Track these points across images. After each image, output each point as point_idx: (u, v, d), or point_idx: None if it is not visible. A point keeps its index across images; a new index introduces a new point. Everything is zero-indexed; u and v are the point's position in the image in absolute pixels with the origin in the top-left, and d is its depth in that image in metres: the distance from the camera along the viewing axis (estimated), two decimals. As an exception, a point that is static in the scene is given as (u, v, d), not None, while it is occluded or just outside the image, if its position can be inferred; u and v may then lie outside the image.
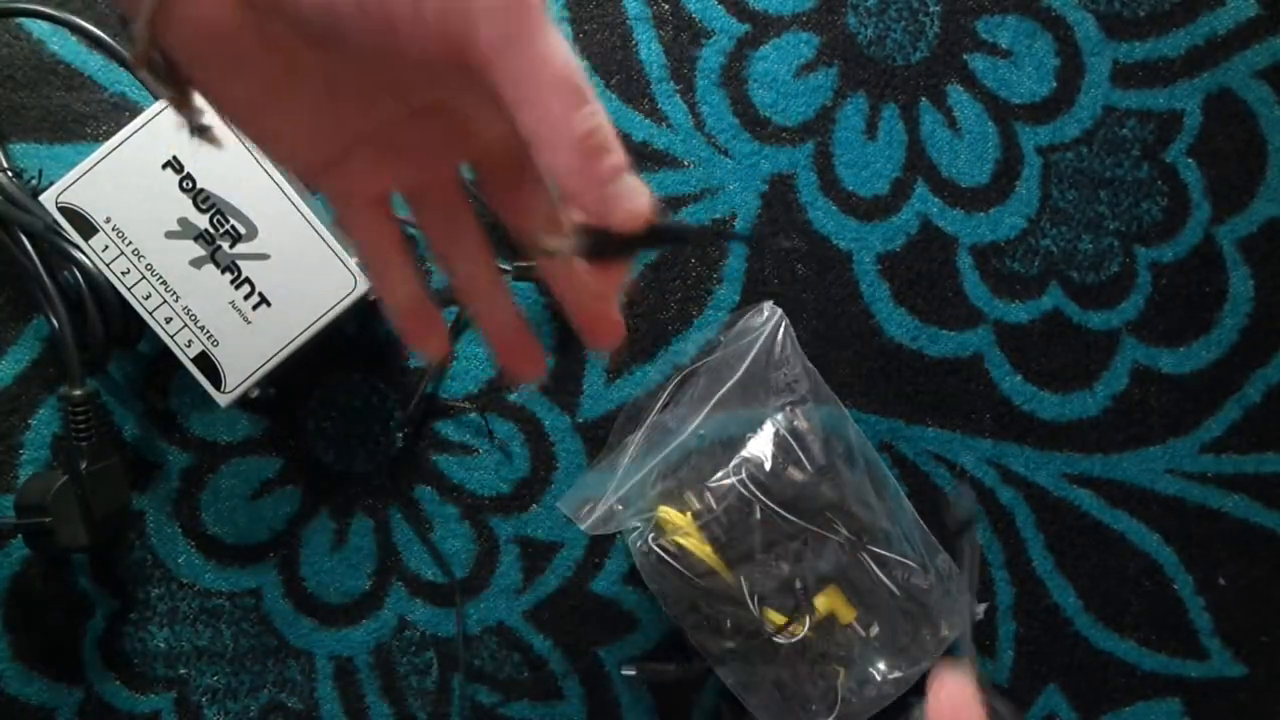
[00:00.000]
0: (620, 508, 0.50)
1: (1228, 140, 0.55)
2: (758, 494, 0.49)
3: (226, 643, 0.53)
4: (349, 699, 0.54)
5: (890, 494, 0.52)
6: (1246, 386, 0.55)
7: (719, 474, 0.50)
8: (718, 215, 0.55)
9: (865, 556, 0.51)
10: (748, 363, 0.51)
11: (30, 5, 0.50)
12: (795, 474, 0.50)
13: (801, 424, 0.51)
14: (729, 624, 0.51)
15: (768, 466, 0.49)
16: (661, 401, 0.52)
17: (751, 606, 0.49)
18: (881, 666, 0.51)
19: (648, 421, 0.52)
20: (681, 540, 0.49)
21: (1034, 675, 0.55)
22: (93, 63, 0.53)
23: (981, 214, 0.55)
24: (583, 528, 0.50)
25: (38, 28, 0.53)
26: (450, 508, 0.54)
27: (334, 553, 0.54)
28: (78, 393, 0.49)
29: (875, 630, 0.51)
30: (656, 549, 0.49)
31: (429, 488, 0.54)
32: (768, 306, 0.53)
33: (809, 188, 0.55)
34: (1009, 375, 0.55)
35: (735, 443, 0.51)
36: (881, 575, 0.51)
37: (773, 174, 0.55)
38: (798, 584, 0.50)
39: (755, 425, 0.51)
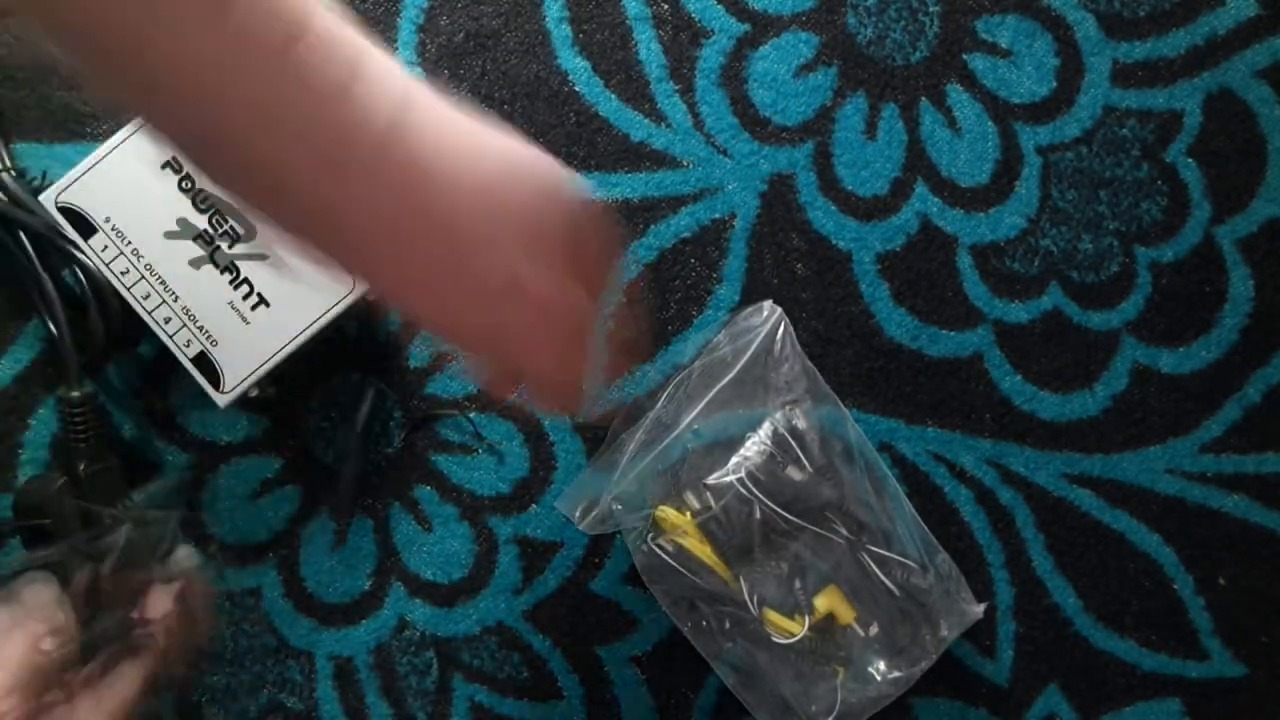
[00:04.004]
0: (618, 507, 0.50)
1: (1228, 140, 0.55)
2: (757, 493, 0.49)
3: (226, 643, 0.53)
4: (349, 699, 0.54)
5: (889, 493, 0.52)
6: (1246, 386, 0.55)
7: (718, 473, 0.50)
8: (717, 215, 0.55)
9: (865, 556, 0.51)
10: (745, 359, 0.51)
11: (30, 5, 0.50)
12: (794, 473, 0.50)
13: (800, 423, 0.51)
14: (728, 624, 0.51)
15: (767, 466, 0.49)
16: (661, 401, 0.52)
17: (751, 606, 0.49)
18: (881, 666, 0.51)
19: (646, 420, 0.52)
20: (680, 540, 0.49)
21: (1034, 675, 0.55)
22: (92, 63, 0.53)
23: (981, 214, 0.55)
24: (581, 527, 0.50)
25: (37, 28, 0.53)
26: (450, 508, 0.54)
27: (334, 553, 0.54)
28: (76, 394, 0.49)
29: (875, 630, 0.51)
30: (655, 548, 0.49)
31: (429, 488, 0.54)
32: (767, 305, 0.53)
33: (809, 188, 0.55)
34: (1009, 375, 0.55)
35: (734, 442, 0.51)
36: (881, 575, 0.51)
37: (772, 174, 0.55)
38: (797, 584, 0.50)
39: (754, 424, 0.51)
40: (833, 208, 0.55)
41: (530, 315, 0.34)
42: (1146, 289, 0.55)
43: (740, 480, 0.49)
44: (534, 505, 0.54)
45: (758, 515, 0.49)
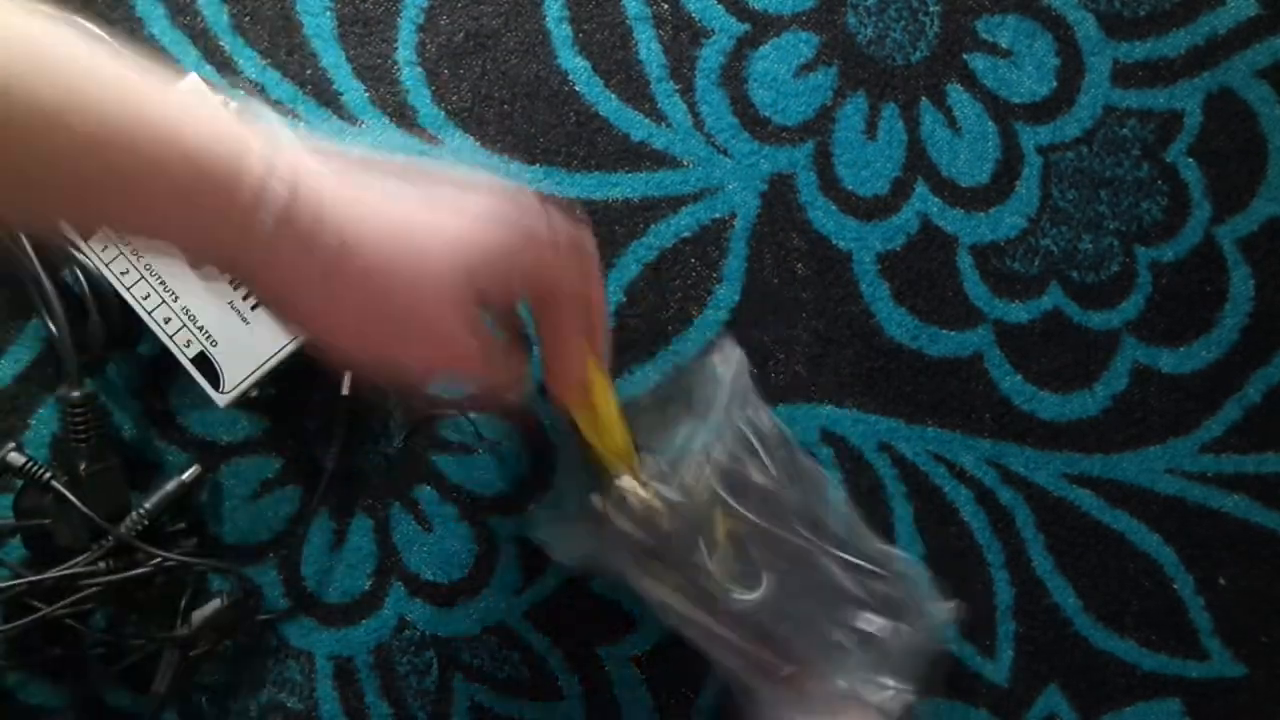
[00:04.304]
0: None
1: (1228, 140, 0.55)
2: (721, 491, 0.48)
3: (226, 642, 0.53)
4: (349, 699, 0.54)
5: (841, 502, 0.52)
6: (1246, 386, 0.55)
7: (684, 458, 0.48)
8: (717, 215, 0.55)
9: (828, 561, 0.50)
10: (715, 410, 0.50)
11: (29, 4, 0.50)
12: (757, 476, 0.49)
13: (764, 423, 0.50)
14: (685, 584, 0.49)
15: (729, 464, 0.48)
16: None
17: (708, 563, 0.48)
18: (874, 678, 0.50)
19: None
20: (633, 491, 0.47)
21: (1034, 675, 0.55)
22: (92, 62, 0.53)
23: (981, 214, 0.55)
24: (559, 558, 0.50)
25: (37, 27, 0.53)
26: (450, 507, 0.54)
27: (334, 553, 0.54)
28: (76, 394, 0.49)
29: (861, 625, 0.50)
30: (612, 510, 0.47)
31: (429, 488, 0.54)
32: (727, 346, 0.52)
33: (809, 187, 0.55)
34: (1009, 375, 0.55)
35: (688, 406, 0.49)
36: (845, 580, 0.50)
37: (772, 174, 0.55)
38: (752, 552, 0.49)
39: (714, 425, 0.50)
40: (833, 207, 0.55)
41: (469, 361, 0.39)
42: (1147, 289, 0.55)
43: (707, 472, 0.48)
44: (534, 505, 0.54)
45: (719, 509, 0.48)
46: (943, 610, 0.52)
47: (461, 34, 0.55)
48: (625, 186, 0.54)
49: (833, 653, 0.50)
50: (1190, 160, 0.55)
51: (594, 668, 0.54)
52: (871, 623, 0.50)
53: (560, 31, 0.55)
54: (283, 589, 0.54)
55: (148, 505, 0.50)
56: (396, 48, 0.54)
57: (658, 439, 0.49)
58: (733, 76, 0.55)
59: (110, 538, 0.48)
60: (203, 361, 0.48)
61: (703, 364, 0.52)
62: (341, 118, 0.54)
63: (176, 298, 0.48)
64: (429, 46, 0.54)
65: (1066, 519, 0.55)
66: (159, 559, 0.49)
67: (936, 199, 0.55)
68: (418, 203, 0.37)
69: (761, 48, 0.55)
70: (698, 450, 0.48)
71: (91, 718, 0.53)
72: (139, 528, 0.49)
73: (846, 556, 0.50)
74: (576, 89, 0.55)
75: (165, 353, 0.48)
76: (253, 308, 0.48)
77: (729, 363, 0.51)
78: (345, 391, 0.52)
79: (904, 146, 0.55)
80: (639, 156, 0.55)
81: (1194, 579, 0.55)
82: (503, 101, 0.55)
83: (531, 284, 0.40)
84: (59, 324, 0.48)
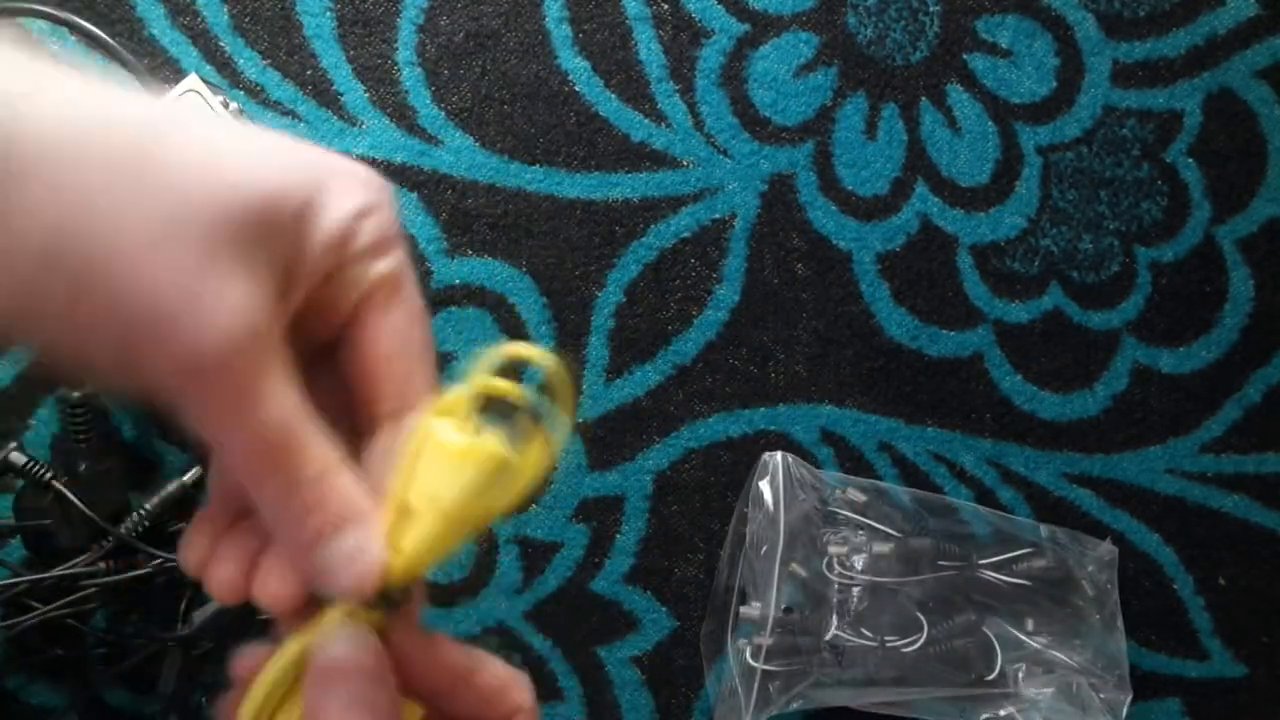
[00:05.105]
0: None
1: (1228, 140, 0.55)
2: (852, 574, 0.50)
3: (227, 642, 0.53)
4: (349, 699, 0.54)
5: (958, 508, 0.53)
6: (1246, 386, 0.55)
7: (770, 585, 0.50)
8: (717, 215, 0.55)
9: (982, 573, 0.51)
10: (782, 517, 0.51)
11: (30, 5, 0.50)
12: (882, 546, 0.51)
13: (856, 496, 0.52)
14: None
15: (851, 553, 0.51)
16: (735, 593, 0.52)
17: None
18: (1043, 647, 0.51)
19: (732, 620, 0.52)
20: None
21: (1034, 675, 0.55)
22: (92, 63, 0.53)
23: (981, 214, 0.55)
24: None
25: (38, 28, 0.53)
26: (450, 508, 0.54)
27: (334, 553, 0.54)
28: (76, 394, 0.49)
29: (1031, 625, 0.51)
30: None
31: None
32: (765, 456, 0.53)
33: (809, 188, 0.55)
34: (1009, 375, 0.55)
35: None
36: (1005, 579, 0.51)
37: (772, 174, 0.55)
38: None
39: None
40: (833, 208, 0.55)
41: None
42: (1147, 289, 0.55)
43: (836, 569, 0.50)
44: (534, 505, 0.54)
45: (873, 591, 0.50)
46: (1103, 551, 0.52)
47: (461, 34, 0.55)
48: (625, 186, 0.55)
49: (1017, 649, 0.51)
50: (1190, 160, 0.55)
51: (594, 668, 0.54)
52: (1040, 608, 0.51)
53: (560, 32, 0.55)
54: (283, 589, 0.53)
55: (148, 505, 0.50)
56: (396, 48, 0.54)
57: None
58: (733, 77, 0.55)
59: (110, 538, 0.48)
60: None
61: (752, 492, 0.53)
62: (341, 118, 0.54)
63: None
64: (429, 47, 0.55)
65: (1067, 519, 0.55)
66: (159, 559, 0.49)
67: (936, 199, 0.55)
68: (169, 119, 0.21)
69: (761, 48, 0.55)
70: (776, 570, 0.50)
71: (93, 718, 0.53)
72: (139, 528, 0.49)
73: (998, 558, 0.51)
74: (576, 89, 0.55)
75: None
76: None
77: (769, 472, 0.52)
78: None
79: (904, 146, 0.55)
80: (639, 157, 0.55)
81: (1194, 579, 0.55)
82: (503, 102, 0.55)
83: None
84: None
